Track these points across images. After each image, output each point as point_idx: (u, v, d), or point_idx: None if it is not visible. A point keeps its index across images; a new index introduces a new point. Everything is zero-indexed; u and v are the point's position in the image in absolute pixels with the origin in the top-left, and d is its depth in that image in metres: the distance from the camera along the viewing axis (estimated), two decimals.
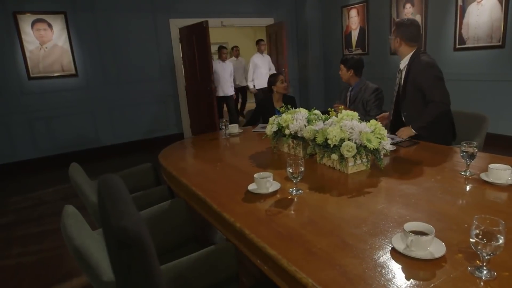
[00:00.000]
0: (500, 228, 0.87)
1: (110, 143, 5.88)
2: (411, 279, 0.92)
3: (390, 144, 2.06)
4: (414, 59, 2.36)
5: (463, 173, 1.63)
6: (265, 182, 1.53)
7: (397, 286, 0.89)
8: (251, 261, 1.21)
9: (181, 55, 6.37)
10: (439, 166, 1.85)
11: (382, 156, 1.73)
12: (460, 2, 4.88)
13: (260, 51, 6.62)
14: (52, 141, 5.48)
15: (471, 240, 0.92)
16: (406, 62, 2.41)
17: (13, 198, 4.19)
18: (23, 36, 5.16)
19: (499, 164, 1.52)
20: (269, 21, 7.11)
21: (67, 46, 5.47)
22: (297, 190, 1.54)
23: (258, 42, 6.71)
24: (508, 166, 1.51)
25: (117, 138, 5.93)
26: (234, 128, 2.94)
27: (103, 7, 5.60)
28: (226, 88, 6.34)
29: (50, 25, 5.34)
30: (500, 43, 4.56)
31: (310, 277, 0.94)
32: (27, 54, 5.22)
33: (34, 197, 4.20)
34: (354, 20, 6.56)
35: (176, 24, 6.13)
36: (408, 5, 5.58)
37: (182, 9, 6.16)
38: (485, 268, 0.91)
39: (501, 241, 0.87)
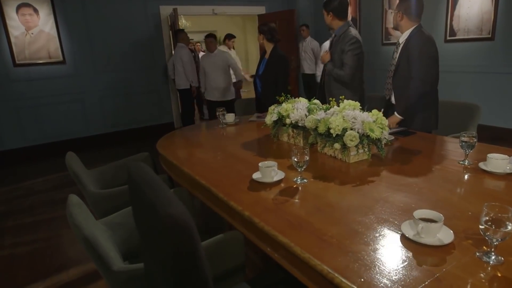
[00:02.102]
0: (510, 215, 0.90)
1: (100, 132, 5.79)
2: (423, 265, 0.95)
3: (389, 133, 2.10)
4: (414, 34, 2.34)
5: (461, 162, 1.67)
6: (270, 171, 1.54)
7: (409, 272, 0.92)
8: (253, 251, 1.23)
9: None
10: (437, 156, 1.90)
11: (383, 146, 1.76)
12: None
13: (229, 46, 6.52)
14: (40, 130, 5.36)
15: (481, 226, 0.95)
16: (405, 37, 2.39)
17: (2, 188, 4.10)
18: (7, 21, 4.99)
19: (497, 154, 1.57)
20: (261, 9, 7.05)
21: (54, 32, 5.31)
22: (302, 179, 1.55)
23: (226, 37, 6.49)
24: (506, 156, 1.55)
25: (107, 127, 5.84)
26: (231, 118, 2.93)
27: None
28: (216, 91, 4.92)
29: (36, 10, 5.17)
30: (490, 36, 4.64)
31: (324, 264, 0.96)
32: (12, 40, 5.06)
33: (24, 187, 4.13)
34: None
35: (167, 11, 6.01)
36: None
37: None
38: (493, 254, 0.94)
39: (510, 227, 0.90)
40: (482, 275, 0.90)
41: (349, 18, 6.71)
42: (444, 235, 1.04)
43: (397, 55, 2.45)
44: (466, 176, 1.57)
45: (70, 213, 1.20)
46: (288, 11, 6.77)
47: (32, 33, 5.18)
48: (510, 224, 0.90)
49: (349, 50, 2.74)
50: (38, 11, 5.17)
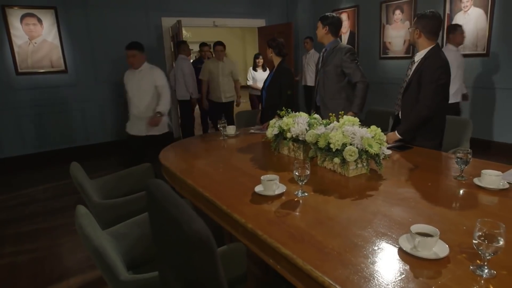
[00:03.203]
0: (501, 230, 0.95)
1: (100, 141, 5.82)
2: (419, 277, 0.99)
3: (387, 148, 2.16)
4: (431, 54, 2.30)
5: (458, 178, 1.73)
6: (272, 185, 1.59)
7: (407, 284, 0.97)
8: (253, 262, 1.27)
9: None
10: (433, 171, 1.95)
11: (381, 161, 1.81)
12: (447, 11, 5.06)
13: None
14: (41, 138, 5.40)
15: (474, 241, 1.00)
16: (422, 56, 2.35)
17: (2, 195, 4.12)
18: (11, 31, 5.07)
19: (491, 170, 1.63)
20: (261, 22, 7.17)
21: (56, 41, 5.39)
22: (303, 192, 1.60)
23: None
24: (499, 172, 1.61)
25: (107, 136, 5.88)
26: (232, 130, 2.99)
27: (95, 4, 5.54)
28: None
29: (39, 20, 5.26)
30: (485, 52, 4.76)
31: (326, 276, 1.00)
32: (16, 49, 5.13)
33: (24, 194, 4.15)
34: (344, 24, 6.68)
35: (169, 23, 6.11)
36: (397, 11, 5.74)
37: (174, 7, 6.15)
38: (486, 267, 0.99)
39: (501, 243, 0.95)
40: (476, 287, 0.95)
41: (348, 32, 6.85)
42: (439, 249, 1.09)
43: (410, 73, 2.42)
44: (461, 191, 1.63)
45: (80, 224, 1.24)
46: (286, 24, 6.89)
47: (35, 43, 5.25)
48: (502, 239, 0.95)
49: (351, 60, 2.86)
50: (42, 21, 5.25)
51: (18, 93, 5.19)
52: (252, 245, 1.34)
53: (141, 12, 5.93)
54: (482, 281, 0.97)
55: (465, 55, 4.96)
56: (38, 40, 5.27)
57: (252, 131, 3.11)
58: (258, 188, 1.63)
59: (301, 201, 1.56)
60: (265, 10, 7.16)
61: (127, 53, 3.58)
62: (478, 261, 1.03)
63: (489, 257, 0.98)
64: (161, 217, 0.70)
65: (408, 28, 2.48)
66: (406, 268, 1.04)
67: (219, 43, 5.35)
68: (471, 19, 4.82)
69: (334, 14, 3.04)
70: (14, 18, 5.08)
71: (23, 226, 3.32)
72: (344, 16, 6.64)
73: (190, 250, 0.58)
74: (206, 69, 5.33)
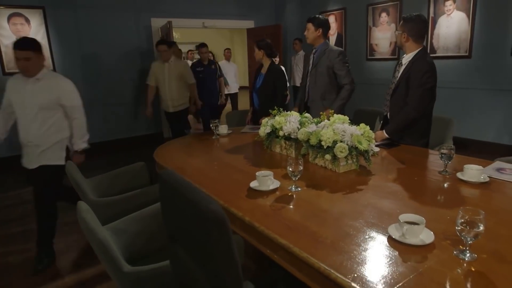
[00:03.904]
0: (481, 217, 1.04)
1: (91, 141, 5.77)
2: (407, 262, 1.07)
3: (375, 145, 2.25)
4: (417, 58, 2.36)
5: (442, 173, 1.82)
6: (267, 180, 1.65)
7: (396, 268, 1.04)
8: (247, 255, 1.32)
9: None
10: (419, 166, 2.05)
11: (370, 157, 1.90)
12: (431, 14, 5.22)
13: (226, 58, 7.04)
14: None
15: (457, 228, 1.08)
16: (409, 59, 2.40)
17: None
18: None
19: (473, 164, 1.72)
20: (250, 24, 7.24)
21: (45, 42, 5.34)
22: (296, 187, 1.67)
23: (225, 50, 7.05)
24: (480, 166, 1.71)
25: (95, 137, 5.83)
26: (224, 129, 3.04)
27: (84, 4, 5.52)
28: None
29: (27, 20, 5.21)
30: (467, 54, 4.93)
31: (321, 262, 1.07)
32: (3, 48, 5.08)
33: (13, 196, 4.11)
34: (332, 26, 6.81)
35: (158, 24, 6.13)
36: (383, 14, 5.89)
37: (164, 9, 6.17)
38: (468, 252, 1.07)
39: (481, 228, 1.04)
40: (458, 270, 1.03)
41: (335, 34, 6.96)
42: (425, 236, 1.17)
43: (398, 75, 2.47)
44: (445, 185, 1.72)
45: (83, 218, 1.28)
46: (275, 26, 6.99)
47: None
48: (482, 225, 1.04)
49: (343, 63, 2.97)
50: (30, 21, 5.20)
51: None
52: (249, 237, 1.40)
53: (131, 13, 5.93)
54: (465, 264, 1.06)
55: (448, 57, 5.14)
56: None
57: (244, 131, 3.17)
58: (253, 184, 1.69)
59: (294, 195, 1.62)
60: (254, 11, 7.24)
61: (16, 54, 2.40)
62: (461, 246, 1.11)
63: (471, 242, 1.06)
64: (176, 201, 0.75)
65: (395, 31, 2.54)
66: (395, 254, 1.11)
67: (161, 42, 4.59)
68: (454, 22, 4.99)
69: (323, 16, 3.13)
70: (1, 17, 5.02)
71: (14, 227, 3.30)
72: (331, 18, 6.77)
73: (208, 227, 0.64)
74: (151, 72, 4.71)
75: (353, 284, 0.97)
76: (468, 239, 1.05)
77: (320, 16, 3.10)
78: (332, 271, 1.03)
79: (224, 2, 6.83)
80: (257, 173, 1.68)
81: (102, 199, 2.06)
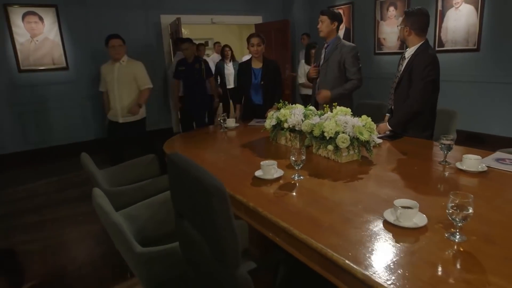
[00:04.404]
0: (470, 200, 1.10)
1: (100, 136, 5.94)
2: (400, 242, 1.14)
3: (378, 137, 2.30)
4: (420, 51, 2.39)
5: (442, 162, 1.87)
6: (271, 169, 1.73)
7: (389, 248, 1.11)
8: (252, 242, 1.40)
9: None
10: (420, 157, 2.10)
11: (372, 147, 1.95)
12: (440, 7, 5.20)
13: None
14: (43, 134, 5.51)
15: (448, 211, 1.14)
16: (412, 52, 2.43)
17: (7, 190, 4.23)
18: (13, 29, 5.17)
19: (471, 154, 1.77)
20: (258, 19, 7.29)
21: (58, 39, 5.50)
22: (299, 176, 1.74)
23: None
24: (479, 156, 1.76)
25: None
26: (231, 123, 3.12)
27: (95, 2, 5.64)
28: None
29: (41, 18, 5.35)
30: (476, 47, 4.90)
31: (319, 242, 1.15)
32: (18, 46, 5.23)
33: (28, 189, 4.26)
34: None
35: (167, 20, 6.22)
36: (391, 8, 5.88)
37: (173, 5, 6.26)
38: (458, 234, 1.14)
39: (470, 210, 1.10)
40: (448, 250, 1.09)
41: (343, 28, 6.97)
42: (419, 219, 1.23)
43: (401, 68, 2.51)
44: (443, 174, 1.77)
45: (98, 203, 1.38)
46: (283, 21, 7.02)
47: (37, 40, 5.35)
48: (470, 208, 1.10)
49: (355, 59, 3.00)
50: (43, 19, 5.35)
51: (21, 90, 5.30)
52: (253, 221, 1.48)
53: (140, 10, 6.04)
54: (455, 246, 1.12)
55: (456, 50, 5.12)
56: (40, 38, 5.37)
57: (251, 124, 3.24)
58: (258, 173, 1.77)
59: (297, 184, 1.70)
60: (262, 7, 7.28)
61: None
62: (452, 229, 1.17)
63: (461, 224, 1.12)
64: (183, 179, 0.83)
65: (397, 26, 2.57)
66: (389, 235, 1.18)
67: (115, 36, 3.76)
68: (463, 15, 4.97)
69: (336, 9, 3.16)
70: (16, 16, 5.17)
71: (30, 218, 3.44)
72: None
73: (210, 198, 0.72)
74: (101, 76, 3.87)
75: (347, 262, 1.04)
76: (458, 221, 1.11)
77: (336, 10, 3.11)
78: (328, 250, 1.10)
79: None
80: (261, 163, 1.76)
81: (115, 189, 2.16)
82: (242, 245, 1.48)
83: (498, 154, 1.96)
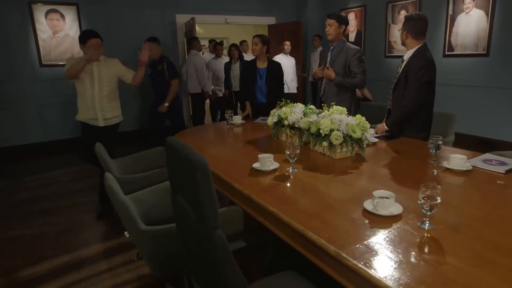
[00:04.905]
0: (438, 191, 1.22)
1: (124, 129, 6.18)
2: (375, 228, 1.26)
3: (374, 137, 2.42)
4: (417, 54, 2.51)
5: (431, 161, 1.98)
6: (267, 161, 1.87)
7: (363, 231, 1.24)
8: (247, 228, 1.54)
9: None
10: (412, 156, 2.20)
11: (365, 145, 2.07)
12: (450, 12, 5.24)
13: (284, 52, 6.07)
14: (61, 126, 5.78)
15: (419, 201, 1.26)
16: (410, 55, 2.56)
17: (27, 177, 4.49)
18: (36, 25, 5.44)
19: (457, 154, 1.88)
20: (271, 20, 7.43)
21: (77, 36, 5.73)
22: (293, 169, 1.88)
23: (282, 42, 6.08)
24: (465, 156, 1.86)
25: (123, 126, 6.22)
26: (237, 119, 3.27)
27: (114, 1, 5.88)
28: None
29: (62, 16, 5.62)
30: (485, 52, 4.93)
31: (301, 225, 1.28)
32: (40, 42, 5.51)
33: (46, 177, 4.51)
34: (352, 23, 6.89)
35: (183, 20, 6.42)
36: (403, 11, 5.93)
37: (188, 5, 6.45)
38: (427, 222, 1.26)
39: (438, 200, 1.22)
40: (417, 235, 1.21)
41: (355, 31, 7.04)
42: (395, 209, 1.35)
43: (400, 70, 2.66)
44: (430, 172, 1.88)
45: (109, 185, 1.54)
46: (295, 23, 7.14)
47: (58, 37, 5.62)
48: (438, 198, 1.22)
49: (359, 62, 3.11)
50: (65, 17, 5.61)
51: (42, 83, 5.57)
52: (247, 207, 1.62)
53: (157, 9, 6.26)
54: (424, 233, 1.24)
55: (466, 55, 5.16)
56: (61, 34, 5.63)
57: (256, 121, 3.38)
58: (256, 165, 1.91)
59: (291, 176, 1.83)
60: (275, 8, 7.41)
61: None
62: (424, 218, 1.29)
63: (430, 213, 1.24)
64: (176, 158, 0.98)
65: (398, 30, 2.69)
66: (365, 221, 1.31)
67: (95, 34, 3.33)
68: (473, 20, 5.00)
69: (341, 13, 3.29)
70: (39, 13, 5.45)
71: (47, 203, 3.67)
72: (351, 15, 6.85)
73: (194, 171, 0.86)
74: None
75: (323, 241, 1.17)
76: (428, 210, 1.23)
77: (343, 14, 3.25)
78: (308, 231, 1.24)
79: None
80: (259, 155, 1.90)
81: (125, 176, 2.33)
82: (237, 228, 1.63)
83: (487, 155, 2.05)
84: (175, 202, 1.05)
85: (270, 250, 1.57)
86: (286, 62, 5.90)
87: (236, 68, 6.20)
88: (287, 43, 6.06)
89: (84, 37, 3.23)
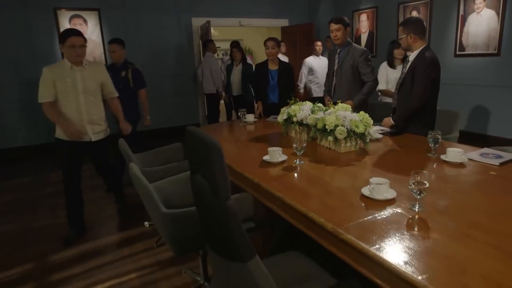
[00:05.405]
0: (426, 176, 1.36)
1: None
2: (369, 210, 1.41)
3: (379, 133, 2.55)
4: (421, 54, 2.62)
5: (430, 155, 2.11)
6: (276, 153, 2.03)
7: (358, 212, 1.39)
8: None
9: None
10: (413, 150, 2.33)
11: (368, 140, 2.22)
12: (461, 12, 5.29)
13: (316, 53, 5.63)
14: None
15: (410, 186, 1.40)
16: (415, 56, 2.67)
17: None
18: (61, 30, 5.75)
19: (454, 147, 2.00)
20: (284, 22, 7.59)
21: (99, 40, 6.05)
22: (300, 161, 2.04)
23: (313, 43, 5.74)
24: (461, 149, 1.98)
25: (139, 126, 6.50)
26: (250, 117, 3.45)
27: (133, 6, 6.16)
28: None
29: (85, 21, 5.93)
30: (496, 52, 4.97)
31: (304, 207, 1.44)
32: None
33: (57, 175, 4.78)
34: (364, 24, 7.00)
35: (198, 23, 6.65)
36: (414, 12, 6.00)
37: (203, 9, 6.69)
38: (417, 205, 1.40)
39: (427, 185, 1.36)
40: (407, 216, 1.36)
41: (367, 32, 7.10)
42: (389, 194, 1.50)
43: (405, 70, 2.77)
44: (428, 164, 2.01)
45: (134, 173, 1.74)
46: (307, 24, 7.28)
47: None
48: (427, 182, 1.36)
49: (367, 61, 3.23)
50: (87, 22, 5.92)
51: None
52: (257, 194, 1.79)
53: (174, 13, 6.51)
54: (415, 215, 1.38)
55: (477, 55, 5.20)
56: None
57: (268, 119, 3.55)
58: (266, 157, 2.08)
59: (298, 167, 1.99)
60: (288, 10, 7.58)
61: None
62: (415, 202, 1.43)
63: (419, 197, 1.38)
64: (194, 142, 1.17)
65: (399, 38, 2.81)
66: (362, 204, 1.46)
67: (76, 32, 2.79)
68: (484, 20, 5.04)
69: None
70: (64, 19, 5.77)
71: (59, 199, 3.91)
72: (363, 17, 6.95)
73: (209, 151, 1.04)
74: (46, 82, 2.79)
75: (321, 219, 1.33)
76: (417, 192, 1.37)
77: (344, 16, 3.40)
78: (310, 212, 1.40)
79: (260, 2, 7.23)
80: (269, 149, 2.07)
81: (146, 169, 2.53)
82: (247, 213, 1.80)
83: (485, 149, 2.16)
84: (194, 181, 1.22)
85: (277, 232, 1.73)
86: (318, 64, 5.51)
87: (236, 72, 5.65)
88: (318, 43, 5.58)
89: (63, 35, 2.76)
